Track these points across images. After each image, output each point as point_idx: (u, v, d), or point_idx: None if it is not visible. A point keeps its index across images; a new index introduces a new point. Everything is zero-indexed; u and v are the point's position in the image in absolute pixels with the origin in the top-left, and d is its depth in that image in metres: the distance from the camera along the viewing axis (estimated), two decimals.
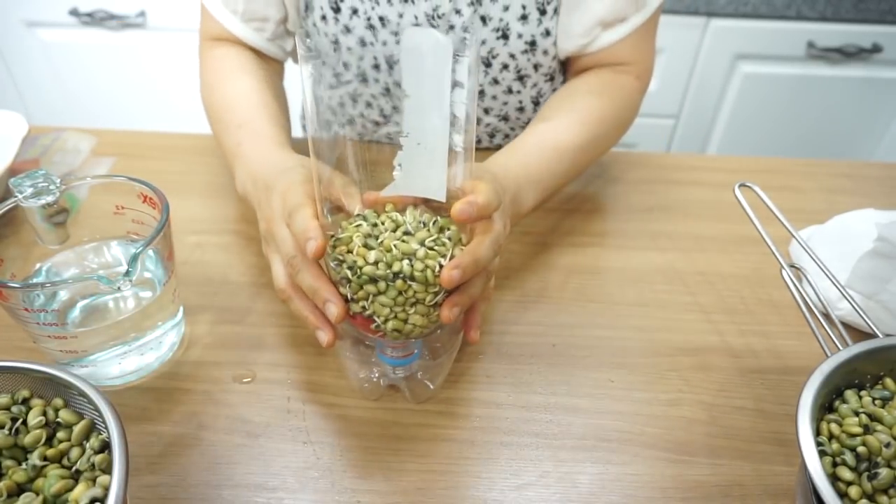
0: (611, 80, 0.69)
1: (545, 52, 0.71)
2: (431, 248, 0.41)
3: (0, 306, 0.45)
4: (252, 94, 0.65)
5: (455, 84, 0.38)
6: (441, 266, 0.41)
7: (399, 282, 0.41)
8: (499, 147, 0.82)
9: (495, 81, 0.73)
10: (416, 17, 0.67)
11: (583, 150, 0.64)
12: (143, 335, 0.49)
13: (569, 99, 0.67)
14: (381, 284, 0.41)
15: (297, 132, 1.21)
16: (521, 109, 0.77)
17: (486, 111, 0.77)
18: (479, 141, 0.81)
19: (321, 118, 0.40)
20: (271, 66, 0.74)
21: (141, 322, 0.49)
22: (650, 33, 0.70)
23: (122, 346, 0.48)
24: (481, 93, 0.74)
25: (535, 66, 0.72)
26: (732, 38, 1.37)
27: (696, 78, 1.44)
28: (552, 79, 0.76)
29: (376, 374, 0.49)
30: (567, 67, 0.76)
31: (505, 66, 0.71)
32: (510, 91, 0.74)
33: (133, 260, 0.43)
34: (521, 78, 0.73)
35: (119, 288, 0.42)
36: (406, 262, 0.41)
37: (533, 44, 0.69)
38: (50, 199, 0.48)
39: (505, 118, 0.78)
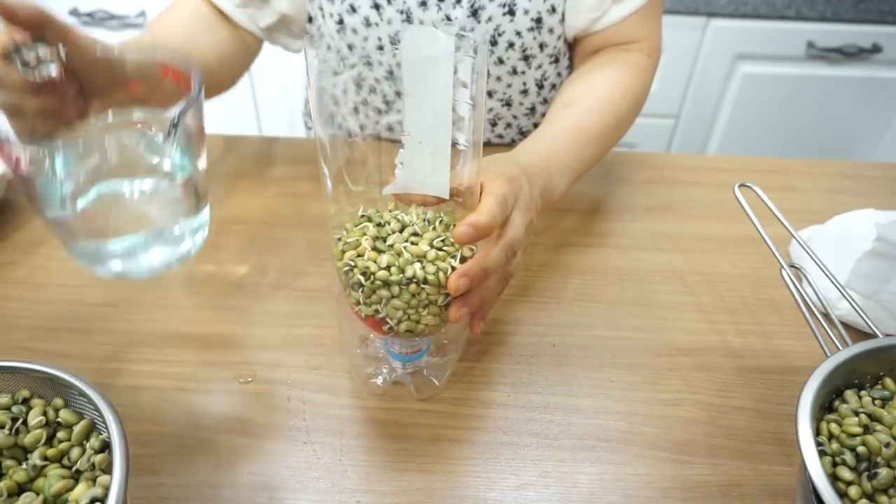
0: (623, 58, 0.69)
1: (551, 31, 0.71)
2: (440, 249, 0.41)
3: (17, 182, 0.41)
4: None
5: (458, 83, 0.38)
6: (453, 268, 0.41)
7: (413, 286, 0.41)
8: (500, 137, 0.82)
9: (500, 61, 0.72)
10: None
11: (608, 131, 0.64)
12: (166, 228, 0.47)
13: (586, 81, 0.67)
14: (395, 289, 0.41)
15: (300, 132, 1.21)
16: (524, 93, 0.77)
17: (490, 94, 0.76)
18: None
19: (325, 110, 0.40)
20: (238, 37, 0.72)
21: (163, 213, 0.46)
22: (658, 10, 0.70)
23: (143, 237, 0.46)
24: None
25: (541, 46, 0.72)
26: (732, 38, 1.37)
27: (696, 78, 1.44)
28: (557, 60, 0.76)
29: (383, 370, 0.49)
30: (575, 50, 0.76)
31: (510, 45, 0.71)
32: (515, 72, 0.74)
33: (175, 123, 0.40)
34: (526, 58, 0.73)
35: (160, 146, 0.39)
36: (418, 265, 0.41)
37: (539, 20, 0.69)
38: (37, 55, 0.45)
39: (508, 103, 0.78)
